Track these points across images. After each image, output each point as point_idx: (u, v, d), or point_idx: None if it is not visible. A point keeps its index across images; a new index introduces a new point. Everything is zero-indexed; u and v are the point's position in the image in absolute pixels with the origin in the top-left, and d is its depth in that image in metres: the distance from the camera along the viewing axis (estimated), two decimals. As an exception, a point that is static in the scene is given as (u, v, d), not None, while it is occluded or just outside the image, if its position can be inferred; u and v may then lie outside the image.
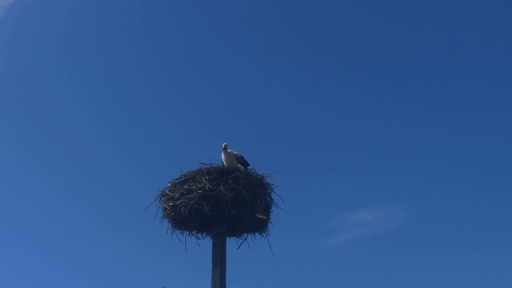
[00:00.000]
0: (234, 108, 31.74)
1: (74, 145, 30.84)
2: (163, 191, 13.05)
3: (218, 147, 13.26)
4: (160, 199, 13.04)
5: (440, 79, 32.19)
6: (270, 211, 13.03)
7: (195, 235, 13.20)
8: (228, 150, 13.10)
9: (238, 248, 12.99)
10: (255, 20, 33.95)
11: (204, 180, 12.47)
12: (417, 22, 32.96)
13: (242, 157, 13.40)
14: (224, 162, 13.07)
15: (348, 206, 28.20)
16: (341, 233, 28.27)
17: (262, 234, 13.10)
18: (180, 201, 12.52)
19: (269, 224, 13.04)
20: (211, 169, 12.75)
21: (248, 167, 13.33)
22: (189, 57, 33.12)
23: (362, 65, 33.46)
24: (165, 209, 12.86)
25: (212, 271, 12.16)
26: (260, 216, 12.46)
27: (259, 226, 12.99)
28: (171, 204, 12.68)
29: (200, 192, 12.29)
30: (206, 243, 13.00)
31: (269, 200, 12.97)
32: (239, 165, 13.39)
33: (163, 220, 12.98)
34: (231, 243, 12.95)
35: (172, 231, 13.03)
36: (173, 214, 12.67)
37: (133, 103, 32.41)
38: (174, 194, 12.72)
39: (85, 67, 32.78)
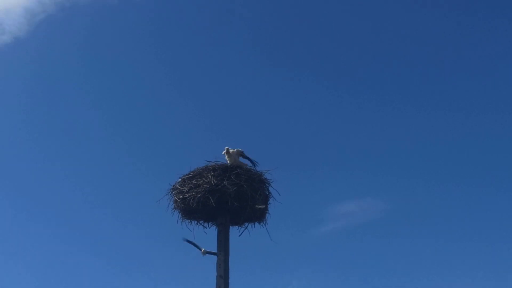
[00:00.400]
0: (236, 114, 33.65)
1: (98, 147, 33.31)
2: (174, 185, 13.74)
3: (222, 147, 13.89)
4: (172, 192, 13.72)
5: (420, 84, 33.97)
6: (268, 203, 13.67)
7: (202, 224, 13.83)
8: (230, 151, 13.73)
9: (240, 235, 13.73)
10: (256, 27, 35.68)
11: (210, 176, 13.16)
12: (408, 27, 34.49)
13: (242, 152, 13.92)
14: (228, 161, 13.69)
15: (336, 199, 29.93)
16: (330, 222, 29.88)
17: (261, 224, 13.78)
18: (189, 194, 13.18)
19: (267, 214, 13.73)
20: (216, 166, 13.47)
21: (252, 161, 13.87)
22: (197, 70, 35.10)
23: (352, 71, 35.21)
24: (175, 201, 13.53)
25: (217, 256, 12.97)
26: (259, 206, 13.13)
27: (259, 216, 13.67)
28: (181, 197, 13.35)
29: (206, 187, 13.00)
30: (211, 231, 13.68)
31: (267, 193, 13.62)
32: (245, 161, 13.94)
33: (174, 211, 13.68)
34: (233, 231, 13.64)
35: (182, 221, 13.71)
36: (182, 205, 13.34)
37: (149, 111, 34.64)
38: (183, 188, 13.39)
39: (104, 75, 35.08)
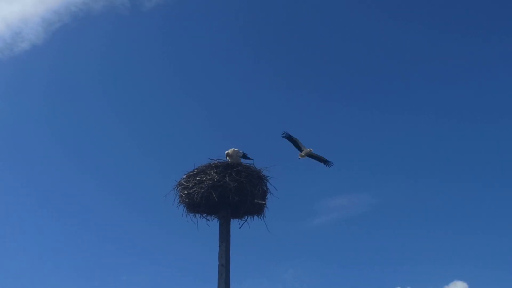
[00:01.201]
0: (237, 116, 35.31)
1: (112, 147, 35.02)
2: (179, 181, 14.24)
3: (224, 146, 14.54)
4: (177, 188, 14.23)
5: (405, 88, 35.73)
6: (266, 198, 14.18)
7: (205, 217, 14.27)
8: (231, 152, 14.26)
9: (240, 228, 14.22)
10: (256, 32, 37.30)
11: (212, 173, 13.68)
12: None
13: (244, 154, 14.60)
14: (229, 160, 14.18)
15: (328, 193, 31.62)
16: (323, 215, 31.70)
17: (259, 217, 14.28)
18: (193, 189, 13.71)
19: (265, 208, 14.22)
20: (218, 163, 13.94)
21: (250, 158, 14.41)
22: (201, 76, 36.65)
23: (343, 74, 36.71)
24: (181, 196, 14.04)
25: (219, 247, 13.47)
26: (259, 201, 13.69)
27: (257, 210, 14.16)
28: (186, 192, 13.88)
29: (209, 183, 13.53)
30: (214, 224, 14.14)
31: (265, 189, 14.10)
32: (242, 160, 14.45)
33: (180, 205, 14.20)
34: (234, 224, 14.12)
35: (187, 214, 14.23)
36: (187, 200, 13.87)
37: (157, 115, 36.37)
38: (188, 184, 13.92)
39: (116, 81, 36.84)
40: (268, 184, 14.29)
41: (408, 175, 33.38)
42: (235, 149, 14.53)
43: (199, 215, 14.36)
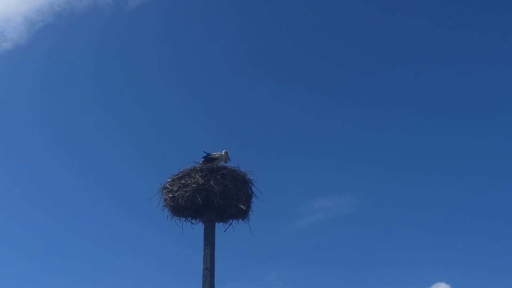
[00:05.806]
0: (223, 118, 35.29)
1: (98, 149, 34.91)
2: (164, 185, 14.23)
3: (210, 150, 14.62)
4: (162, 191, 14.20)
5: (391, 86, 36.03)
6: (251, 201, 14.24)
7: (190, 220, 14.29)
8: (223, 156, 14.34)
9: (225, 231, 14.28)
10: (249, 34, 37.74)
11: (197, 176, 13.68)
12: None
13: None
14: (217, 161, 14.28)
15: (313, 195, 31.66)
16: (307, 216, 31.63)
17: (244, 220, 14.35)
18: (178, 193, 13.71)
19: (250, 212, 14.28)
20: (204, 167, 14.02)
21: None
22: (183, 81, 36.85)
23: (327, 72, 37.10)
24: (165, 199, 14.04)
25: (204, 250, 13.44)
26: (241, 206, 13.76)
27: (242, 214, 14.23)
28: (170, 195, 13.87)
29: (194, 186, 13.54)
30: (199, 227, 14.14)
31: (250, 192, 14.14)
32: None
33: (164, 208, 14.19)
34: (219, 227, 14.18)
35: (171, 217, 14.24)
36: (172, 203, 13.88)
37: (143, 116, 36.36)
38: (173, 187, 13.91)
39: (99, 82, 36.68)
40: (253, 188, 14.37)
41: (393, 176, 33.80)
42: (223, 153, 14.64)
43: (184, 218, 14.38)
